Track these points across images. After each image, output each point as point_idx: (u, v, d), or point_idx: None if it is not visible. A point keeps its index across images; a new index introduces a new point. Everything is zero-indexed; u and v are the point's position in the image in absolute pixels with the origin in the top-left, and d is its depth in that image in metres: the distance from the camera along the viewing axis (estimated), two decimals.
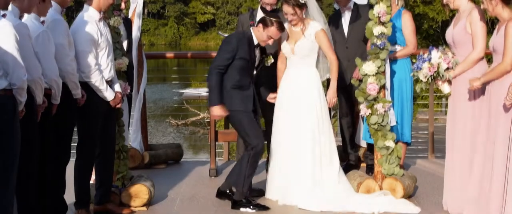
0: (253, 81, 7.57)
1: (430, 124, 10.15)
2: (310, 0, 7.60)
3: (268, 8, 8.26)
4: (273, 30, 7.38)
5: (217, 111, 7.40)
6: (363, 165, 8.87)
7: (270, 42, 7.49)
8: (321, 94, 7.62)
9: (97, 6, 6.83)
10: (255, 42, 7.49)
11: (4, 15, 5.48)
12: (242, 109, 7.43)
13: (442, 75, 6.90)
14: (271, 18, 7.42)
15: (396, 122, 7.82)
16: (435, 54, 6.94)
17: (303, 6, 7.46)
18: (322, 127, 7.59)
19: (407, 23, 8.11)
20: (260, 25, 7.43)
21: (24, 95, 5.61)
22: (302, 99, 7.56)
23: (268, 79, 8.01)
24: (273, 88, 7.87)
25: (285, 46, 7.60)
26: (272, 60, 7.85)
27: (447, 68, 6.90)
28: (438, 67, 6.90)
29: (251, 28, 7.58)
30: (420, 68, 7.00)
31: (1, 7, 5.50)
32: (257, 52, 7.60)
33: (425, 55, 7.01)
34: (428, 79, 6.98)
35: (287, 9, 7.48)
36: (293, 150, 7.57)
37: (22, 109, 5.64)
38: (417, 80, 7.19)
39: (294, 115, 7.58)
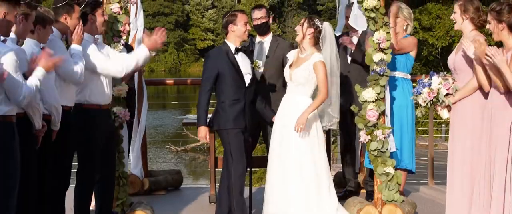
0: (249, 95, 7.53)
1: (429, 150, 10.13)
2: (328, 37, 7.48)
3: (257, 22, 8.43)
4: (239, 17, 7.42)
5: (201, 132, 7.46)
6: (363, 191, 8.85)
7: (249, 27, 7.49)
8: (314, 123, 7.42)
9: (89, 30, 6.87)
10: (233, 49, 7.44)
11: (4, 41, 5.52)
12: (234, 127, 7.39)
13: (442, 101, 6.91)
14: (228, 14, 7.53)
15: (396, 148, 7.81)
16: (436, 80, 6.94)
17: (314, 27, 7.35)
18: (314, 156, 7.40)
19: (409, 39, 8.13)
20: (229, 26, 7.43)
21: (36, 114, 5.84)
22: (293, 128, 7.38)
23: (268, 101, 8.04)
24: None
25: (286, 70, 7.56)
26: (260, 64, 7.76)
27: (447, 94, 6.90)
28: (437, 93, 6.91)
29: (225, 40, 7.55)
30: (420, 93, 7.00)
31: (3, 33, 5.55)
32: (242, 58, 7.53)
33: (426, 80, 7.02)
34: (427, 104, 6.99)
35: (301, 20, 7.50)
36: (283, 178, 7.40)
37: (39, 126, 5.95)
38: (417, 105, 7.20)
39: (285, 142, 7.43)
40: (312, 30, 7.36)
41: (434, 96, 6.90)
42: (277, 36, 8.70)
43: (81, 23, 6.72)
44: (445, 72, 7.05)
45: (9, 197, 5.52)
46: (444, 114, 7.00)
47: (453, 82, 6.89)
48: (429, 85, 6.94)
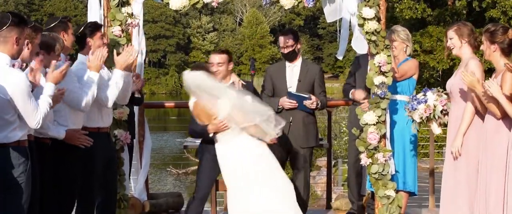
0: None
1: (430, 173, 10.12)
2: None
3: (284, 50, 8.40)
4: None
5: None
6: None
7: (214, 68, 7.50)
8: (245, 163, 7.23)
9: (87, 53, 6.89)
10: None
11: (14, 65, 5.54)
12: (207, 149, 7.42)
13: (438, 117, 6.94)
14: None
15: (397, 171, 7.80)
16: (431, 96, 6.99)
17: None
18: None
19: (409, 63, 8.13)
20: (232, 63, 7.61)
21: (48, 134, 6.13)
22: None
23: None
24: None
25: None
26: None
27: (443, 110, 6.94)
28: (434, 109, 6.94)
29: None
30: (415, 109, 7.03)
31: (16, 57, 5.57)
32: None
33: (420, 97, 7.06)
34: (423, 120, 7.01)
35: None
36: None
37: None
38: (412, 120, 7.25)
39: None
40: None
41: (430, 113, 6.94)
42: (306, 59, 8.70)
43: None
44: (439, 88, 7.09)
45: None
46: (436, 129, 7.04)
47: (447, 99, 6.94)
48: (425, 101, 6.97)
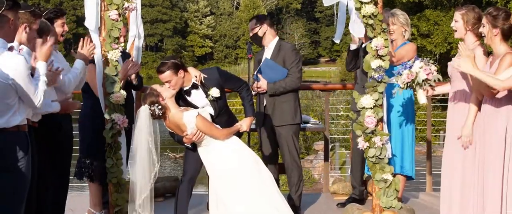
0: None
1: (428, 157, 10.13)
2: None
3: (251, 33, 8.57)
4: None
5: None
6: (371, 198, 8.80)
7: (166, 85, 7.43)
8: (227, 166, 7.42)
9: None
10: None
11: (11, 48, 5.54)
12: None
13: (421, 84, 6.94)
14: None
15: (394, 155, 7.80)
16: (417, 64, 6.99)
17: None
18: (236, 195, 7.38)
19: (406, 47, 8.13)
20: (181, 70, 7.43)
21: (49, 111, 6.17)
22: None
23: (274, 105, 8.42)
24: None
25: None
26: (214, 91, 7.55)
27: (426, 79, 6.93)
28: (415, 76, 6.94)
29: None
30: (401, 74, 7.05)
31: (10, 40, 5.56)
32: (197, 92, 7.57)
33: (410, 63, 7.08)
34: (405, 86, 7.03)
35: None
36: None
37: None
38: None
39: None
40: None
41: (412, 79, 6.95)
42: (281, 39, 8.71)
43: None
44: (428, 58, 7.10)
45: (17, 212, 5.57)
46: (421, 98, 7.02)
47: (436, 70, 6.93)
48: (410, 68, 6.99)
